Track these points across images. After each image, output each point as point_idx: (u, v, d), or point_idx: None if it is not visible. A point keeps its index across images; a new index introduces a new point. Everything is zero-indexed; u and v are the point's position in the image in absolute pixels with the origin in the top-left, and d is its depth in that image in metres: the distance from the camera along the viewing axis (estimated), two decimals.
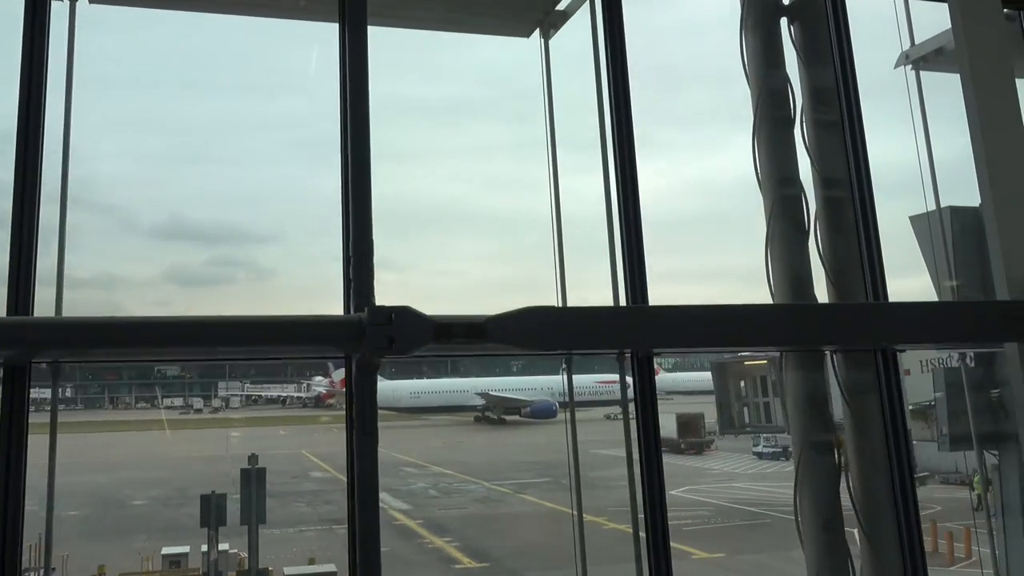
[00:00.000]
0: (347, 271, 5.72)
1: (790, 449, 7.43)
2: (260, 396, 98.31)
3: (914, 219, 10.12)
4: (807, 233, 7.10)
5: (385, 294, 5.51)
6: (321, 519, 36.00)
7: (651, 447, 6.29)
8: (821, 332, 6.09)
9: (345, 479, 5.75)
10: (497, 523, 36.14)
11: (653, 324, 5.82)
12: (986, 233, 6.11)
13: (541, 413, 71.90)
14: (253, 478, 21.92)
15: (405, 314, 5.24)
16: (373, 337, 5.18)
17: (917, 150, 8.94)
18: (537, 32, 8.00)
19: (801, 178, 7.26)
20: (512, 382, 79.36)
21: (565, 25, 7.91)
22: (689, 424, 60.17)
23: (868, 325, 6.12)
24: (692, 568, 28.30)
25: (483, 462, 53.58)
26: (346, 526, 5.65)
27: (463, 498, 43.11)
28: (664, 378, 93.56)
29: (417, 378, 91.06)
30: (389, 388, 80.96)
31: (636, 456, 6.44)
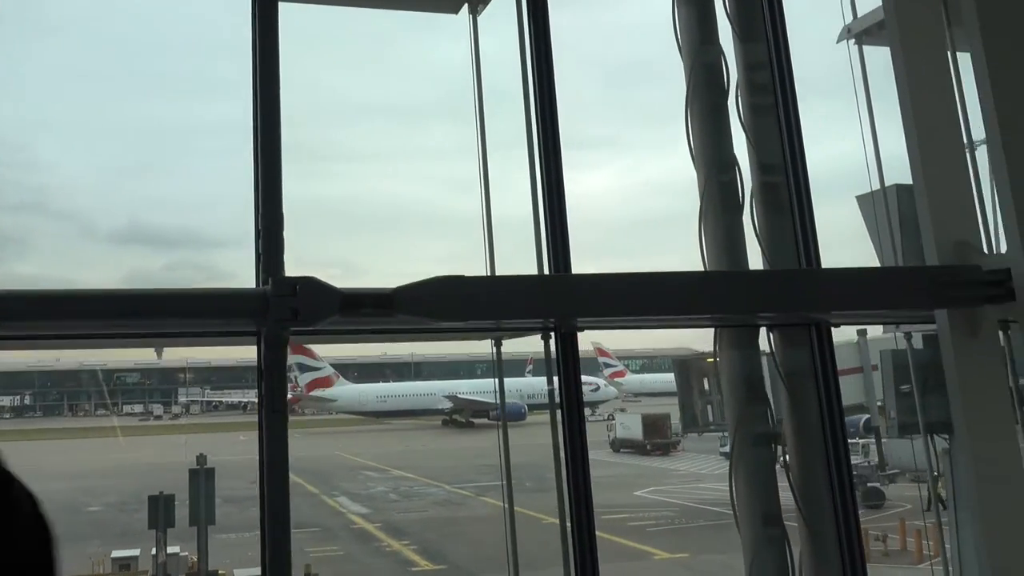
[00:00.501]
0: (257, 245, 5.47)
1: None
2: (221, 402, 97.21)
3: (860, 199, 9.98)
4: (741, 209, 6.92)
5: None
6: None
7: (575, 436, 5.96)
8: (750, 298, 5.90)
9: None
10: (456, 526, 35.84)
11: (575, 292, 5.60)
12: (915, 199, 5.97)
13: (510, 415, 71.29)
14: (202, 478, 21.55)
15: (309, 284, 5.00)
16: (276, 309, 4.94)
17: (861, 127, 8.79)
18: (465, 8, 7.66)
19: (737, 154, 7.07)
20: (479, 384, 79.04)
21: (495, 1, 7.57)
22: (655, 425, 60.15)
23: (798, 291, 5.94)
24: (654, 569, 28.23)
25: (446, 465, 53.30)
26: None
27: (423, 501, 42.94)
28: (631, 379, 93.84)
29: (383, 381, 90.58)
30: (355, 392, 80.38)
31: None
